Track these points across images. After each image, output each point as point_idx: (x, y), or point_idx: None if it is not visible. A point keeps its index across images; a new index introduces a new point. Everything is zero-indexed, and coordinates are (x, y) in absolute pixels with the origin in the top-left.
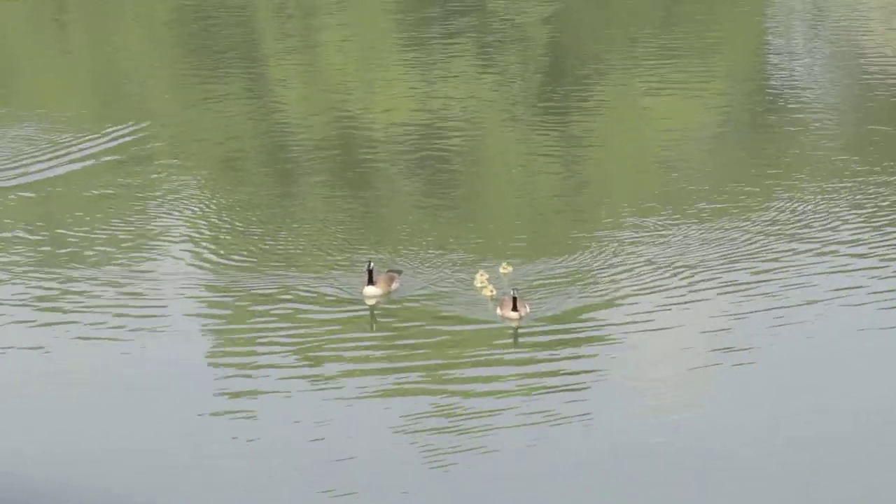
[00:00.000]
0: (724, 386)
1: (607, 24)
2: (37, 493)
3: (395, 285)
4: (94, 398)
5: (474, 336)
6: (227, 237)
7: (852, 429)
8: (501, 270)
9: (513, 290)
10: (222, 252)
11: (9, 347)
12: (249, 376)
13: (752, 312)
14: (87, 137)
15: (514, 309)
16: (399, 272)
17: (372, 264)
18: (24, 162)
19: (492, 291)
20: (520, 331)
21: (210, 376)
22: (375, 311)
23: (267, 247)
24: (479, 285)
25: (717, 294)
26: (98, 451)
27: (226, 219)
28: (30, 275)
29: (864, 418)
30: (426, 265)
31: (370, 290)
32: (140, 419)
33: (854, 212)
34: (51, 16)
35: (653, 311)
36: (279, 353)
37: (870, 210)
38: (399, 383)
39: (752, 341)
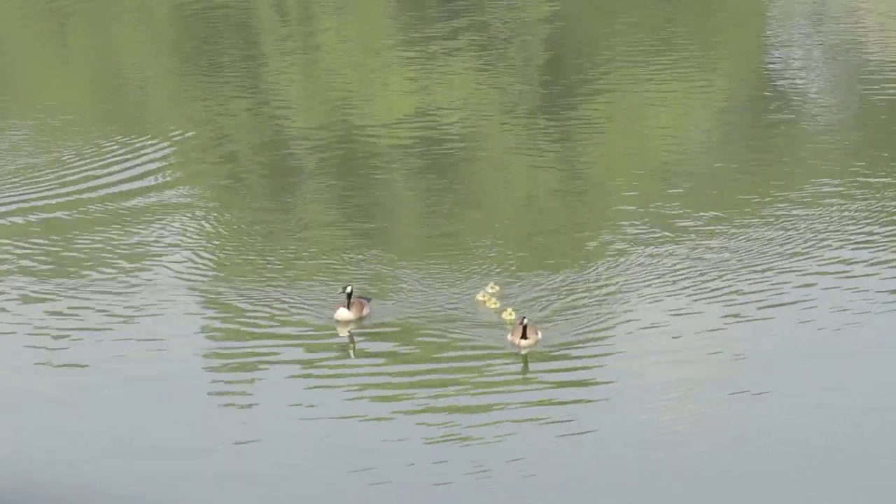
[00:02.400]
0: (739, 416)
1: (606, 23)
2: (37, 493)
3: (365, 311)
4: (89, 406)
5: (483, 362)
6: (224, 246)
7: (867, 443)
8: (489, 290)
9: (524, 317)
10: (219, 260)
11: (8, 355)
12: (249, 395)
13: (768, 333)
14: (85, 141)
15: (524, 336)
16: (368, 299)
17: (350, 287)
18: (19, 168)
19: (510, 314)
20: (529, 357)
21: (211, 385)
22: (377, 331)
23: (262, 259)
24: (491, 306)
25: (728, 313)
26: (95, 457)
27: (223, 226)
28: (27, 284)
29: (883, 434)
30: (426, 282)
31: (343, 314)
32: (138, 424)
33: (858, 217)
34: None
35: (666, 337)
36: (279, 370)
37: (874, 215)
38: (402, 408)
39: (767, 366)
